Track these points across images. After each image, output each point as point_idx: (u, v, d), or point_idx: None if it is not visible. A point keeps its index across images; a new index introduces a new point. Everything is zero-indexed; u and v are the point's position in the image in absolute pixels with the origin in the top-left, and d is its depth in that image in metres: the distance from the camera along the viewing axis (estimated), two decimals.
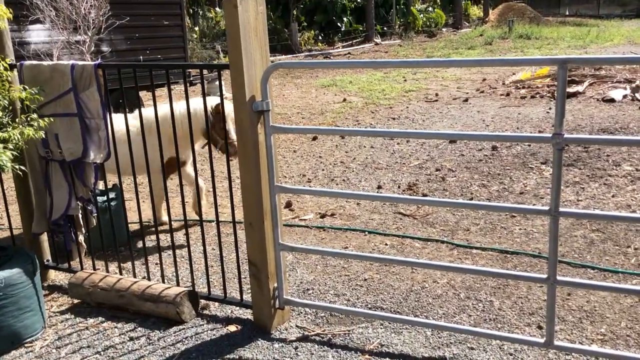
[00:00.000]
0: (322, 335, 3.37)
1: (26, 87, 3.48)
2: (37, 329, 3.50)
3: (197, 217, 4.96)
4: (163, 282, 3.86)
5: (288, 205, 5.61)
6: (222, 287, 3.70)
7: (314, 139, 8.34)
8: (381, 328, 3.41)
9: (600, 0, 37.54)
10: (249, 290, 3.52)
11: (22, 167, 3.42)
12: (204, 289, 3.84)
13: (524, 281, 3.82)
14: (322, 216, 5.34)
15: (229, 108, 3.56)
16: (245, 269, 3.58)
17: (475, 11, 36.37)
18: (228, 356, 3.21)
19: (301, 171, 6.88)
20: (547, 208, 2.79)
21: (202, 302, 3.73)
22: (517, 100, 10.69)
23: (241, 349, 3.27)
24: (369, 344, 3.26)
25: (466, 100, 10.90)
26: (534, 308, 3.58)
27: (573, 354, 3.07)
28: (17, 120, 3.49)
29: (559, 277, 2.84)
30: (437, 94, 11.67)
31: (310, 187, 6.25)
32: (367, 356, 3.16)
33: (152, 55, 9.85)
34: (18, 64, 3.79)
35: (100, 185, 4.70)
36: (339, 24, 25.74)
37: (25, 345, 3.42)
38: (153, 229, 4.32)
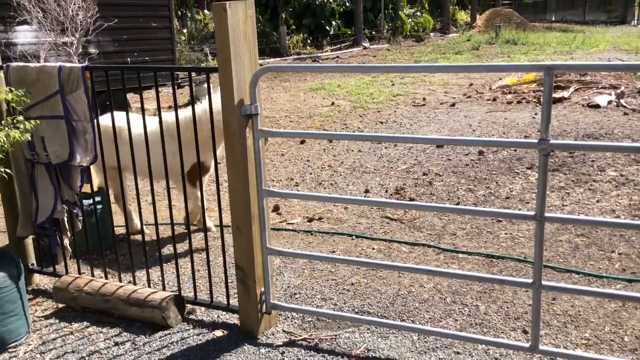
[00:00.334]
0: (309, 340, 3.37)
1: (12, 89, 3.46)
2: (21, 333, 3.46)
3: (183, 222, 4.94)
4: (149, 286, 3.84)
5: (276, 209, 5.61)
6: (208, 292, 3.68)
7: (302, 142, 8.35)
8: (368, 332, 3.42)
9: (586, 7, 37.94)
10: (236, 295, 3.51)
11: (7, 170, 3.40)
12: (190, 293, 3.82)
13: (510, 286, 3.85)
14: (310, 220, 5.34)
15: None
16: (232, 273, 3.58)
17: (463, 16, 36.60)
18: None
19: (289, 175, 6.88)
20: (532, 213, 2.82)
21: (189, 306, 3.72)
22: (503, 105, 10.77)
23: (227, 354, 3.26)
24: (355, 348, 3.27)
25: (453, 104, 10.96)
26: (520, 312, 3.60)
27: (558, 358, 3.09)
28: (2, 122, 3.46)
29: (544, 282, 2.87)
30: (424, 99, 11.73)
31: (297, 190, 6.25)
32: None
33: (140, 57, 9.81)
34: (4, 65, 3.75)
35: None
36: (327, 28, 25.77)
37: (9, 350, 3.38)
38: (139, 236, 4.29)
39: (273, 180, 6.68)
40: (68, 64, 3.62)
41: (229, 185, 3.28)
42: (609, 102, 10.19)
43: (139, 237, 4.78)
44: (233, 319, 3.60)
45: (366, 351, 3.24)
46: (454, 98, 11.74)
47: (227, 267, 3.62)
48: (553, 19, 38.24)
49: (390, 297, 3.86)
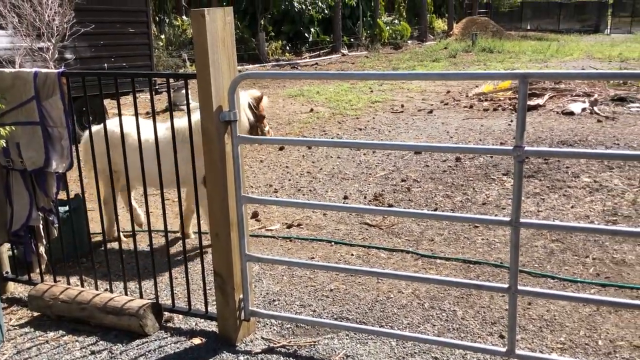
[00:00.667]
0: (287, 347, 3.37)
1: None
2: None
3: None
4: (126, 294, 3.80)
5: (254, 215, 5.60)
6: (186, 299, 3.66)
7: (281, 149, 8.35)
8: (347, 339, 3.42)
9: (560, 16, 38.67)
10: (214, 302, 3.49)
11: None
12: (168, 301, 3.79)
13: (487, 291, 3.89)
14: (289, 226, 5.34)
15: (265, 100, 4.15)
16: (210, 280, 3.56)
17: (440, 24, 37.03)
18: None
19: (268, 181, 6.87)
20: (508, 219, 2.86)
21: (166, 314, 3.69)
22: (480, 112, 10.90)
23: None
24: (334, 354, 3.27)
25: (431, 111, 11.07)
26: (496, 317, 3.64)
27: None
28: None
29: (520, 287, 2.91)
30: (402, 105, 11.82)
31: (276, 197, 6.25)
32: None
33: (117, 63, 9.72)
34: None
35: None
36: (306, 35, 25.86)
37: None
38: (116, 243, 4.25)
39: (252, 186, 6.67)
40: (44, 70, 3.58)
41: (207, 192, 3.27)
42: (583, 110, 10.38)
43: (115, 244, 4.73)
44: (211, 326, 3.58)
45: (345, 357, 3.24)
46: (432, 105, 11.85)
47: (206, 274, 3.60)
48: (528, 27, 38.89)
49: (369, 303, 3.87)
